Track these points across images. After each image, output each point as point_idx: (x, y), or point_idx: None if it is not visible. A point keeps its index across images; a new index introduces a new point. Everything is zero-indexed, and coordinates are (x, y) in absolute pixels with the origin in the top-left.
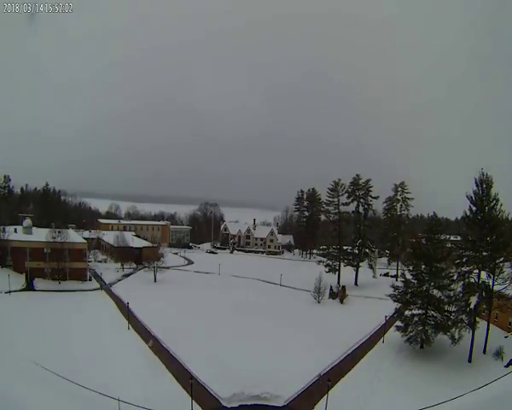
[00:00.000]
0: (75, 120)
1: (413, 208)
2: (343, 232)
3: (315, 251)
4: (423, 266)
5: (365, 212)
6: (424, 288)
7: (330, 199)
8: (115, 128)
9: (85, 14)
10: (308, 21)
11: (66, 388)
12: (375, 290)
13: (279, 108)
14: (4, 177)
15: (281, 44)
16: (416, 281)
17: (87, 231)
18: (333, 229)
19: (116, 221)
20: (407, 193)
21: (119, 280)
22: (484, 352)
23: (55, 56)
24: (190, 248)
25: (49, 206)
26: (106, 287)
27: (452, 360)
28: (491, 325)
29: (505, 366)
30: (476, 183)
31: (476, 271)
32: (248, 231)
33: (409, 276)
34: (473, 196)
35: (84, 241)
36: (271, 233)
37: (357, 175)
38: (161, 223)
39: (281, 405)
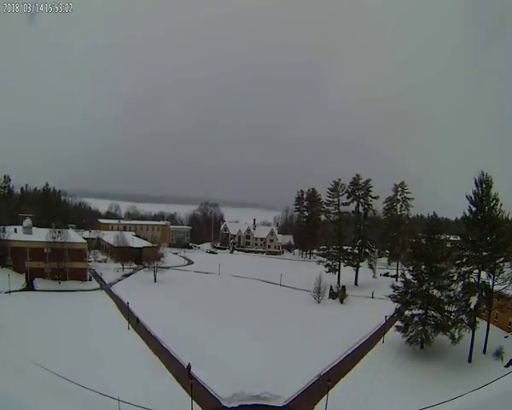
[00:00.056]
0: (75, 119)
1: (413, 208)
2: (343, 232)
3: (315, 251)
4: (423, 266)
5: (365, 212)
6: (424, 288)
7: (330, 199)
8: (115, 128)
9: (85, 14)
10: (307, 8)
11: (66, 388)
12: (375, 290)
13: (278, 106)
14: (4, 177)
15: (280, 32)
16: (415, 281)
17: (87, 231)
18: (333, 229)
19: (116, 221)
20: (407, 193)
21: (119, 280)
22: (484, 352)
23: (54, 56)
24: (190, 248)
25: (49, 206)
26: (106, 287)
27: (452, 360)
28: (491, 325)
29: (505, 366)
30: (476, 183)
31: (476, 271)
32: (248, 231)
33: (409, 276)
34: (472, 196)
35: (84, 241)
36: (271, 233)
37: (357, 175)
38: (161, 223)
39: (281, 405)
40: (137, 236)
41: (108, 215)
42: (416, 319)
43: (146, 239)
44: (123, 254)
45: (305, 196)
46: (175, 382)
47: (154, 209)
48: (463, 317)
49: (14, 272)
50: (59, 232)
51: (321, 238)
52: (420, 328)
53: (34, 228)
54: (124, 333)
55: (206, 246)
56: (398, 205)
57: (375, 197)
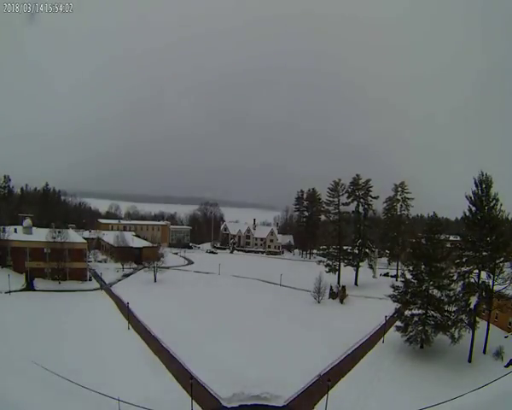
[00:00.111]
0: (75, 119)
1: (413, 208)
2: (343, 232)
3: (315, 251)
4: (423, 266)
5: (365, 212)
6: (424, 288)
7: (330, 199)
8: (115, 128)
9: (85, 14)
10: (310, 19)
11: (66, 388)
12: (375, 290)
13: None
14: (4, 177)
15: (285, 39)
16: (415, 281)
17: (87, 231)
18: (333, 229)
19: (116, 221)
20: (407, 193)
21: (119, 280)
22: (484, 352)
23: (54, 57)
24: (190, 248)
25: (49, 206)
26: (106, 287)
27: (452, 360)
28: (491, 325)
29: (505, 366)
30: (476, 183)
31: (476, 271)
32: (248, 231)
33: (409, 276)
34: (472, 196)
35: (84, 241)
36: (271, 233)
37: (357, 175)
38: (161, 223)
39: (281, 405)
40: (137, 236)
41: (108, 215)
42: (415, 318)
43: (146, 239)
44: (123, 254)
45: (305, 196)
46: (175, 382)
47: (154, 209)
48: (463, 317)
49: (14, 272)
50: (59, 232)
51: (321, 238)
52: (420, 328)
53: (34, 228)
54: (124, 333)
55: (206, 246)
56: (398, 205)
57: (375, 197)
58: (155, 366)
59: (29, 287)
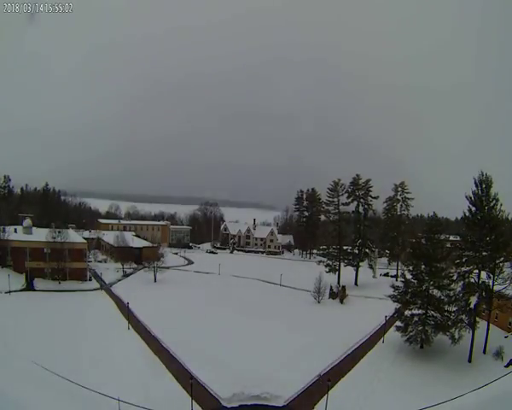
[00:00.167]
0: (75, 118)
1: (413, 208)
2: (343, 232)
3: (315, 251)
4: (423, 266)
5: (365, 212)
6: (424, 288)
7: (330, 199)
8: (116, 128)
9: (85, 15)
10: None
11: (66, 388)
12: (375, 290)
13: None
14: (4, 177)
15: (287, 32)
16: (415, 281)
17: (87, 231)
18: (333, 229)
19: (116, 221)
20: (407, 193)
21: (119, 280)
22: (484, 352)
23: (54, 57)
24: (190, 248)
25: (49, 206)
26: (106, 287)
27: (452, 360)
28: (491, 325)
29: (505, 366)
30: (476, 183)
31: (476, 271)
32: (248, 231)
33: (409, 276)
34: (472, 196)
35: (84, 241)
36: (271, 233)
37: (357, 175)
38: (161, 223)
39: (281, 405)
40: (137, 236)
41: (108, 215)
42: (415, 318)
43: (146, 239)
44: (123, 254)
45: (305, 196)
46: (175, 382)
47: (154, 209)
48: (463, 317)
49: (14, 272)
50: (59, 232)
51: (321, 238)
52: (420, 328)
53: (34, 228)
54: (124, 333)
55: (206, 246)
56: (398, 205)
57: (375, 197)
58: (155, 366)
59: (29, 287)
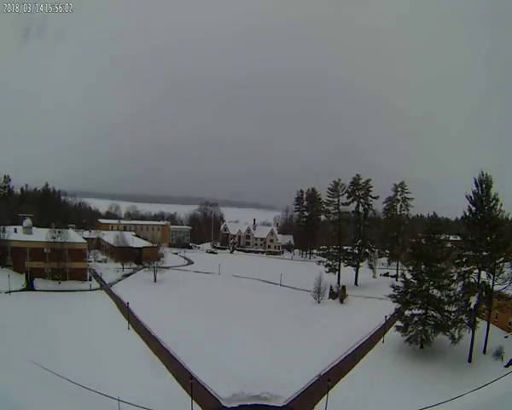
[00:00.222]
0: (76, 120)
1: (413, 208)
2: (343, 232)
3: (315, 251)
4: (423, 266)
5: (365, 212)
6: (424, 288)
7: (330, 199)
8: (116, 130)
9: (85, 15)
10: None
11: (66, 388)
12: (375, 290)
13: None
14: (4, 177)
15: (285, 44)
16: (415, 281)
17: (87, 231)
18: (333, 229)
19: (116, 221)
20: (407, 193)
21: (119, 280)
22: (484, 352)
23: (55, 58)
24: (190, 248)
25: (49, 206)
26: (106, 287)
27: (452, 360)
28: (491, 325)
29: (505, 366)
30: (476, 183)
31: (476, 271)
32: (248, 231)
33: (409, 276)
34: (472, 196)
35: (84, 241)
36: (271, 233)
37: (357, 175)
38: (161, 223)
39: (281, 405)
40: (137, 236)
41: (108, 215)
42: (415, 318)
43: (146, 239)
44: (123, 254)
45: (305, 196)
46: (175, 382)
47: (154, 209)
48: (463, 317)
49: (14, 272)
50: (59, 232)
51: (321, 238)
52: (420, 328)
53: (34, 228)
54: (124, 333)
55: (206, 246)
56: (398, 205)
57: (375, 197)
58: (155, 366)
59: (29, 287)
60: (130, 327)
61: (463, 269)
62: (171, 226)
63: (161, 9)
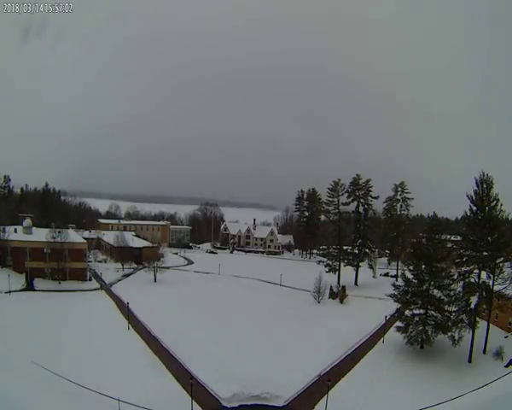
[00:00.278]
0: (76, 120)
1: (413, 208)
2: (343, 232)
3: (315, 251)
4: (423, 266)
5: (365, 212)
6: (424, 288)
7: (330, 199)
8: (116, 130)
9: (85, 15)
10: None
11: (66, 388)
12: (375, 290)
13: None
14: (4, 177)
15: (281, 40)
16: (416, 281)
17: (87, 231)
18: (333, 229)
19: (116, 221)
20: (407, 193)
21: (119, 280)
22: (484, 352)
23: (55, 58)
24: (190, 248)
25: (49, 206)
26: (106, 287)
27: (452, 360)
28: (491, 325)
29: (505, 366)
30: (476, 183)
31: (476, 271)
32: (248, 231)
33: (409, 276)
34: (473, 195)
35: (84, 241)
36: (271, 233)
37: (358, 175)
38: (161, 223)
39: (281, 405)
40: (137, 236)
41: (108, 215)
42: (416, 318)
43: (146, 239)
44: (123, 254)
45: (305, 196)
46: (175, 382)
47: (154, 209)
48: (463, 317)
49: (14, 272)
50: (59, 232)
51: (321, 238)
52: (420, 328)
53: (34, 228)
54: (124, 333)
55: (206, 246)
56: (398, 205)
57: (375, 197)
58: (155, 366)
59: (29, 287)
60: (130, 327)
61: (464, 269)
62: (171, 226)
63: (162, 6)
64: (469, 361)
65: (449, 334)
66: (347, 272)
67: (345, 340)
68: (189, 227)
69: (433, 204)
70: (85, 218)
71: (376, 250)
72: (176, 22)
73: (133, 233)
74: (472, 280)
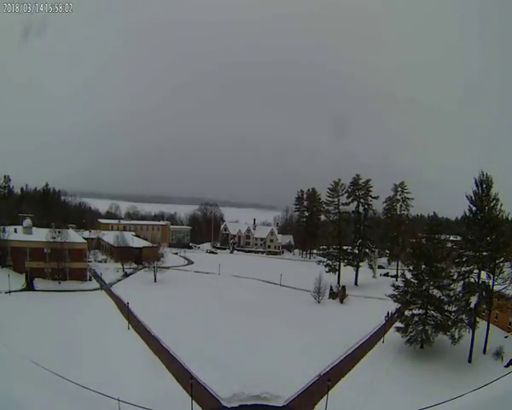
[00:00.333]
0: (76, 121)
1: (413, 208)
2: (343, 232)
3: (315, 251)
4: (423, 266)
5: (365, 212)
6: (424, 288)
7: (330, 199)
8: (116, 130)
9: (85, 15)
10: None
11: (66, 388)
12: (375, 290)
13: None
14: (4, 177)
15: (279, 38)
16: (416, 281)
17: (87, 231)
18: (333, 229)
19: (116, 221)
20: (407, 193)
21: (119, 280)
22: (484, 352)
23: (55, 58)
24: (190, 248)
25: (49, 206)
26: (106, 287)
27: (452, 360)
28: (491, 325)
29: (505, 366)
30: (476, 183)
31: (476, 271)
32: (248, 231)
33: (409, 276)
34: (473, 196)
35: (84, 241)
36: (271, 233)
37: (357, 175)
38: (161, 223)
39: (281, 405)
40: (137, 236)
41: (108, 215)
42: (416, 318)
43: (146, 239)
44: (123, 254)
45: (305, 196)
46: (175, 382)
47: (154, 209)
48: (463, 317)
49: (14, 272)
50: (59, 232)
51: (321, 238)
52: (420, 328)
53: (34, 228)
54: (124, 333)
55: (206, 246)
56: (398, 205)
57: (375, 197)
58: (155, 366)
59: (29, 287)
60: (130, 327)
61: (463, 269)
62: (171, 226)
63: (164, 3)
64: (469, 361)
65: (449, 333)
66: (347, 272)
67: (345, 340)
68: (189, 227)
69: (433, 204)
70: (85, 218)
71: (376, 250)
72: (175, 20)
73: (133, 233)
74: (472, 280)
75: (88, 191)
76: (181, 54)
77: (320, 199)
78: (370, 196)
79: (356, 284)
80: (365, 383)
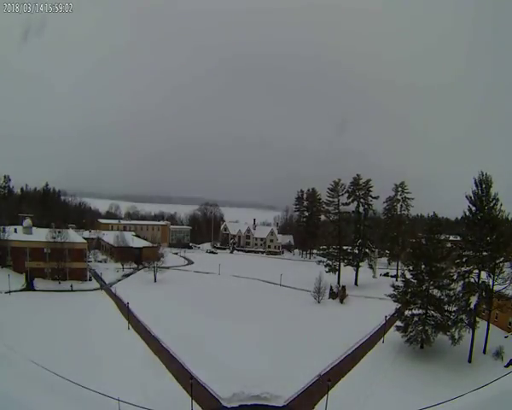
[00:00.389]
0: (76, 121)
1: (413, 208)
2: (343, 232)
3: (315, 251)
4: (423, 266)
5: (365, 212)
6: (424, 288)
7: (330, 199)
8: (116, 130)
9: (85, 15)
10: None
11: (67, 388)
12: (375, 290)
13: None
14: (4, 177)
15: (280, 37)
16: (415, 281)
17: (87, 231)
18: (333, 229)
19: (116, 221)
20: (407, 193)
21: (119, 280)
22: (484, 352)
23: (55, 59)
24: (190, 248)
25: (49, 206)
26: (106, 287)
27: (452, 360)
28: (491, 325)
29: (505, 366)
30: (476, 183)
31: (476, 271)
32: (248, 231)
33: (409, 276)
34: (472, 196)
35: (84, 241)
36: (271, 233)
37: (358, 175)
38: (161, 223)
39: (281, 405)
40: (137, 236)
41: (108, 215)
42: (415, 318)
43: (146, 239)
44: (123, 254)
45: (305, 196)
46: (175, 382)
47: (154, 209)
48: (463, 317)
49: (14, 272)
50: (59, 232)
51: (321, 238)
52: (420, 328)
53: (34, 228)
54: (124, 333)
55: (206, 246)
56: (398, 205)
57: (375, 197)
58: (155, 366)
59: (29, 287)
60: (130, 327)
61: (463, 269)
62: (171, 226)
63: (159, 10)
64: (469, 361)
65: (448, 333)
66: (347, 272)
67: (345, 340)
68: (189, 227)
69: (433, 204)
70: (85, 218)
71: (376, 250)
72: (174, 18)
73: (133, 233)
74: (472, 280)
75: (88, 191)
76: (180, 52)
77: (320, 199)
78: (371, 196)
79: (356, 284)
80: (365, 383)
